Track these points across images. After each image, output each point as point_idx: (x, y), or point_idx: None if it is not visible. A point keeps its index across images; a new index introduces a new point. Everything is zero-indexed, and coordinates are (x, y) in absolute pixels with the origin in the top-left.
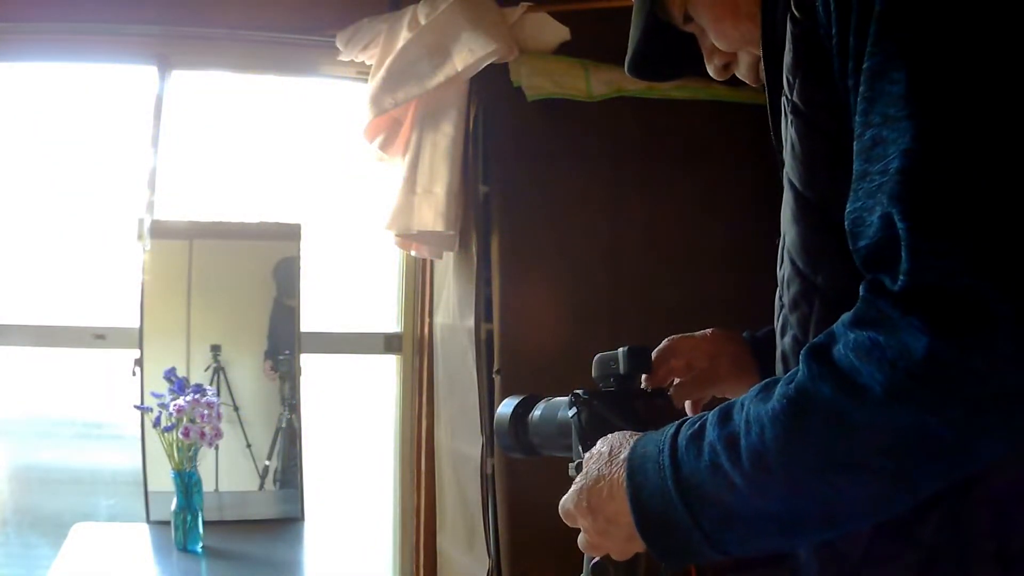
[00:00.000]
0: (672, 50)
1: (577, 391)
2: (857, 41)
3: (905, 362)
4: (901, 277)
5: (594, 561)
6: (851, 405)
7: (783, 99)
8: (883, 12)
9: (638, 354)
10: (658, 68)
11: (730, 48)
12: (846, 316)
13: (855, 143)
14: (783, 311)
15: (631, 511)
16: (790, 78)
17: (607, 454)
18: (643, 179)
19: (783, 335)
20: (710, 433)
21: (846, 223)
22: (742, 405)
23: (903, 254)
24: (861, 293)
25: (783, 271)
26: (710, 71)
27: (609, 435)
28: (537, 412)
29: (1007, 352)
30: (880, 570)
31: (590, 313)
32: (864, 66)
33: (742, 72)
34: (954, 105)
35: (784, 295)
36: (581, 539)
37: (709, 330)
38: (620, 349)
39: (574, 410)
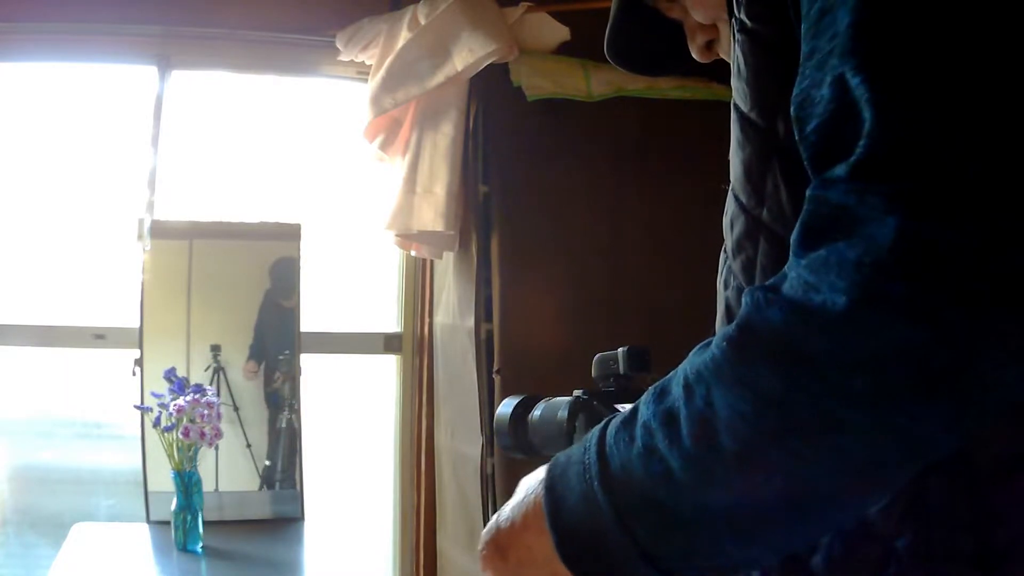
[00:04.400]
0: (657, 39)
1: (577, 391)
2: None
3: (872, 255)
4: (859, 146)
5: None
6: (808, 332)
7: (731, 21)
8: None
9: (638, 354)
10: (642, 56)
11: (708, 18)
12: (795, 242)
13: (803, 24)
14: (726, 262)
15: (550, 530)
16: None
17: (522, 486)
18: (643, 179)
19: (726, 287)
20: (644, 412)
21: (791, 110)
22: (682, 370)
23: (864, 115)
24: (807, 195)
25: (728, 216)
26: (694, 53)
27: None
28: (537, 412)
29: (1007, 225)
30: (837, 571)
31: (590, 313)
32: None
33: (724, 49)
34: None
35: (728, 242)
36: None
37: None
38: (620, 349)
39: (571, 418)
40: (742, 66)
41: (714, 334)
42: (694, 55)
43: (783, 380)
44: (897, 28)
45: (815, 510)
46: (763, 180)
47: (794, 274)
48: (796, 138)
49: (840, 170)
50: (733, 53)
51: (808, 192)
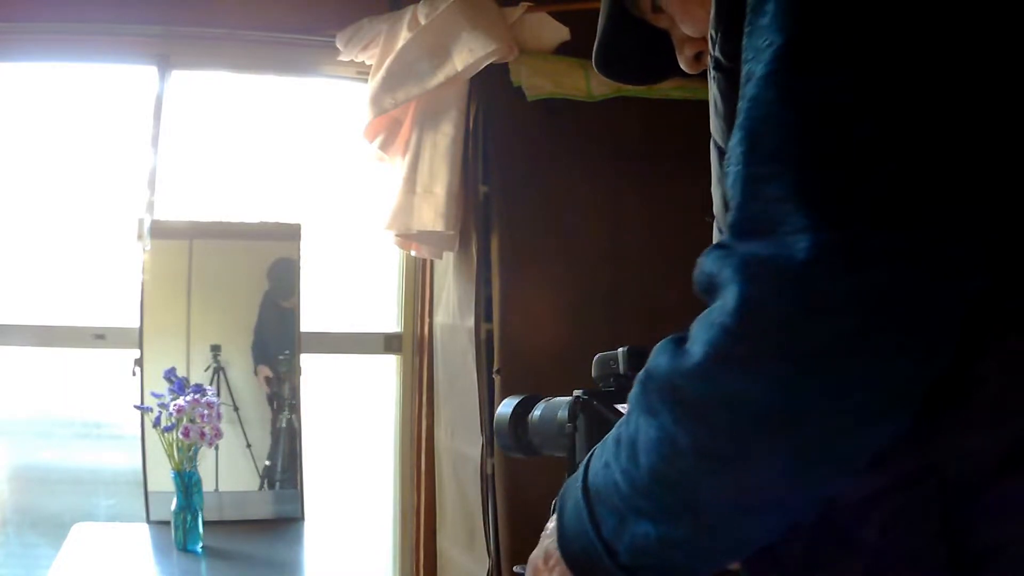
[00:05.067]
0: (643, 50)
1: (577, 391)
2: None
3: (722, 316)
4: (729, 218)
5: None
6: (681, 377)
7: (708, 57)
8: None
9: (638, 354)
10: (630, 67)
11: (697, 32)
12: None
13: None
14: None
15: (558, 547)
16: (713, 34)
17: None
18: (643, 179)
19: None
20: (614, 429)
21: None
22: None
23: (735, 188)
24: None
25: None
26: (682, 64)
27: None
28: (537, 412)
29: (836, 290)
30: None
31: (590, 313)
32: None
33: None
34: (809, 29)
35: None
36: None
37: None
38: (620, 349)
39: (571, 418)
40: (719, 102)
41: None
42: (683, 66)
43: (670, 414)
44: (772, 113)
45: (716, 517)
46: None
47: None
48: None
49: (724, 236)
50: (711, 90)
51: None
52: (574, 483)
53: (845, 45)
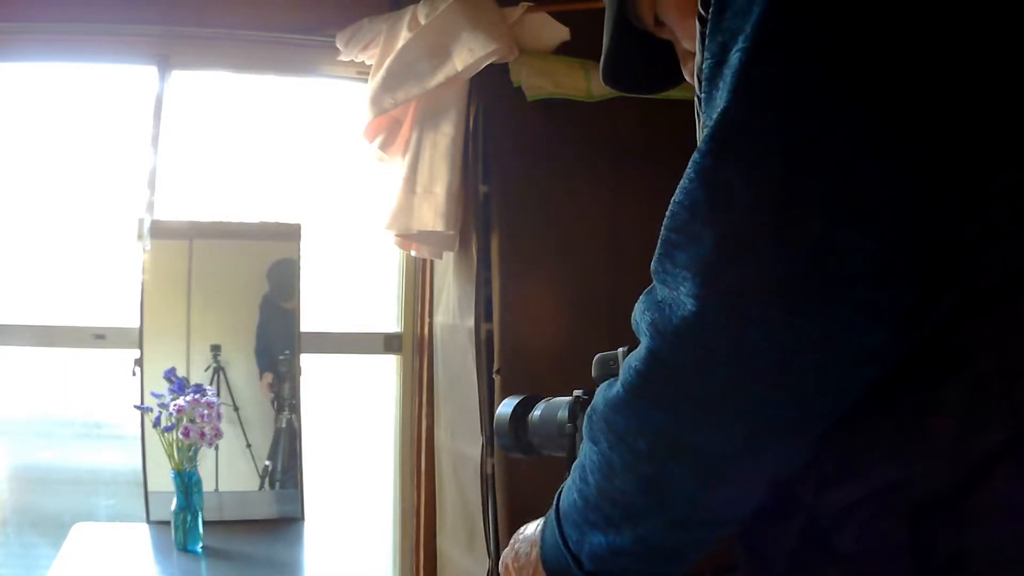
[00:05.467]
0: (648, 59)
1: (577, 391)
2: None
3: (636, 360)
4: (652, 263)
5: None
6: (611, 411)
7: (695, 100)
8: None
9: None
10: (636, 78)
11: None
12: None
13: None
14: None
15: (541, 559)
16: (699, 78)
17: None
18: (643, 179)
19: None
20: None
21: None
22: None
23: (660, 241)
24: None
25: None
26: (686, 75)
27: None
28: (537, 412)
29: (716, 346)
30: None
31: (590, 313)
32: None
33: None
34: (731, 121)
35: None
36: None
37: None
38: (620, 349)
39: (571, 418)
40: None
41: None
42: (687, 78)
43: (606, 441)
44: (689, 194)
45: (649, 528)
46: None
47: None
48: None
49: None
50: (698, 130)
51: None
52: (551, 507)
53: (754, 139)
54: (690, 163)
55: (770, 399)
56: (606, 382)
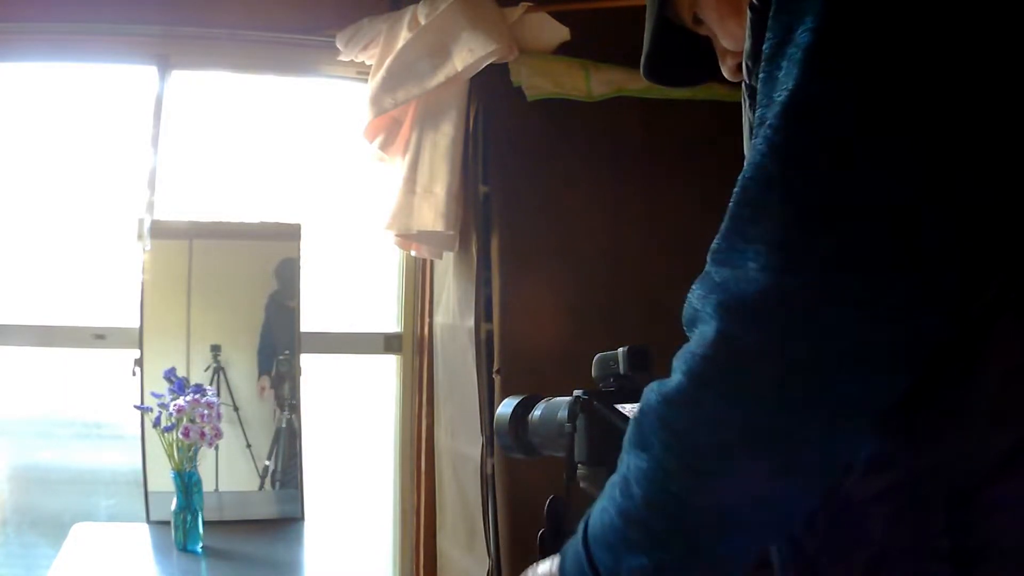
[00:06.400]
0: (687, 54)
1: (577, 391)
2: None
3: (700, 347)
4: (713, 243)
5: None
6: (668, 407)
7: (743, 86)
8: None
9: (638, 354)
10: (674, 72)
11: (737, 46)
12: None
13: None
14: None
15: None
16: (749, 64)
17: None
18: (643, 179)
19: None
20: (609, 481)
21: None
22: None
23: (725, 221)
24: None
25: None
26: (724, 73)
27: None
28: (537, 412)
29: (791, 326)
30: (834, 567)
31: (590, 313)
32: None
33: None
34: (806, 96)
35: None
36: None
37: None
38: (620, 349)
39: (571, 418)
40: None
41: None
42: (726, 75)
43: (660, 443)
44: (761, 172)
45: (704, 536)
46: None
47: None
48: None
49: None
50: (744, 115)
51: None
52: (574, 538)
53: (831, 111)
54: (759, 140)
55: (848, 377)
56: (653, 384)
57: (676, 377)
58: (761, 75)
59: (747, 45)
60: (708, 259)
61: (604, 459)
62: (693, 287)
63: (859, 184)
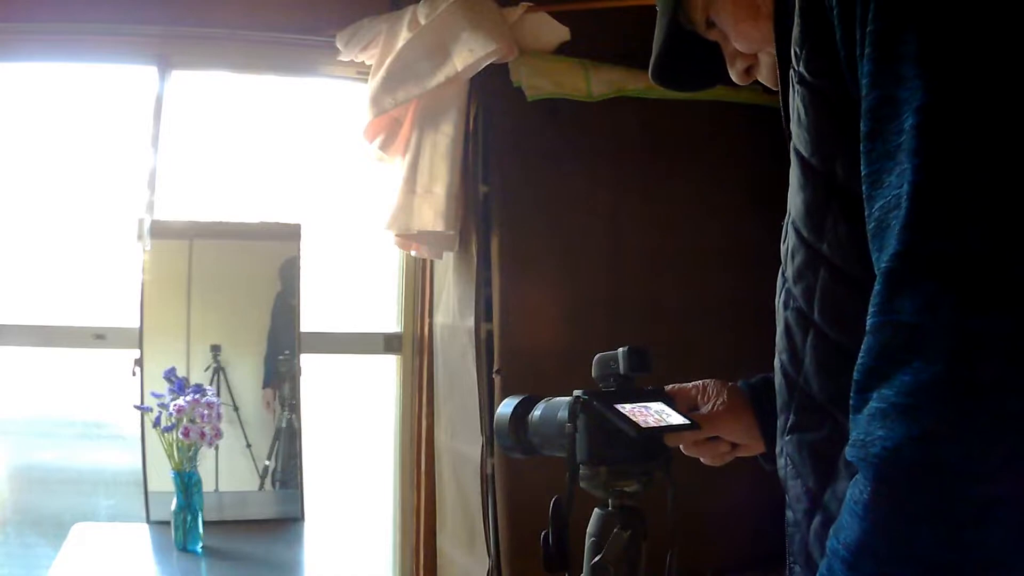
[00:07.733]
0: (696, 59)
1: (577, 391)
2: (863, 8)
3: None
4: (905, 237)
5: (594, 560)
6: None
7: (791, 72)
8: None
9: (638, 354)
10: (683, 76)
11: (750, 49)
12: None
13: (863, 103)
14: (786, 285)
15: None
16: (797, 50)
17: None
18: (643, 179)
19: (785, 308)
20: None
21: (863, 187)
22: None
23: (909, 211)
24: (872, 312)
25: (787, 244)
26: (733, 76)
27: None
28: (537, 412)
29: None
30: None
31: (590, 313)
32: (870, 29)
33: (763, 75)
34: (965, 67)
35: (788, 268)
36: None
37: (706, 381)
38: (620, 349)
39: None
40: (802, 115)
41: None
42: (734, 78)
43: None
44: (952, 144)
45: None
46: (823, 218)
47: (864, 416)
48: (865, 211)
49: (895, 261)
50: (793, 102)
51: (873, 311)
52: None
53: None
54: (911, 128)
55: None
56: (861, 423)
57: (924, 373)
58: (868, 51)
59: (796, 31)
60: (905, 250)
61: (604, 459)
62: (873, 312)
63: None
